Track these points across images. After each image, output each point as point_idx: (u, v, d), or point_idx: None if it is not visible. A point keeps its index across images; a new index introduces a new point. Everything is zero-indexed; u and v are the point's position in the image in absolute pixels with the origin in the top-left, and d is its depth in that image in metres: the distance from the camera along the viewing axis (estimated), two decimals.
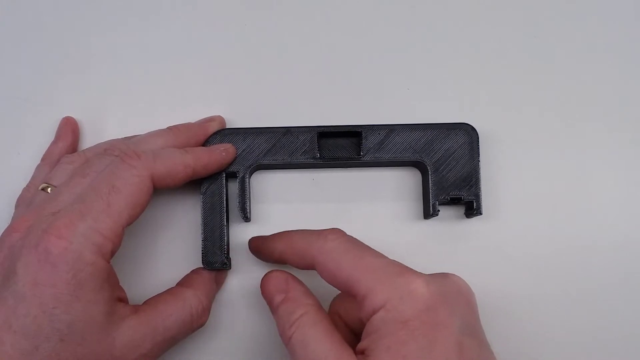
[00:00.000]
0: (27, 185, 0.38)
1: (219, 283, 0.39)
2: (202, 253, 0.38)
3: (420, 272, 0.32)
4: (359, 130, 0.39)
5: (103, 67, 0.41)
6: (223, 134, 0.39)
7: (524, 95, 0.41)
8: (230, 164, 0.39)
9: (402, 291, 0.31)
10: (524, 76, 0.41)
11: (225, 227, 0.38)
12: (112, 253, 0.33)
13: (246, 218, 0.39)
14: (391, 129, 0.39)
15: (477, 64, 0.41)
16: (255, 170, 0.40)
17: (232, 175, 0.39)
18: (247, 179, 0.39)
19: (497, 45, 0.41)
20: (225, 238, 0.38)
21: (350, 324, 0.35)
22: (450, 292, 0.31)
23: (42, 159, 0.39)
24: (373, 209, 0.40)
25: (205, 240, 0.38)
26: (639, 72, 0.41)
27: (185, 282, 0.38)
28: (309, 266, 0.34)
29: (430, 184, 0.38)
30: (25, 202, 0.37)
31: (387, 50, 0.41)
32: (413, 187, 0.40)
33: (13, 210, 0.37)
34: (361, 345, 0.31)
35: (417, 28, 0.42)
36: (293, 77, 0.41)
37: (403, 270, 0.32)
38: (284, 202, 0.41)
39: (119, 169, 0.34)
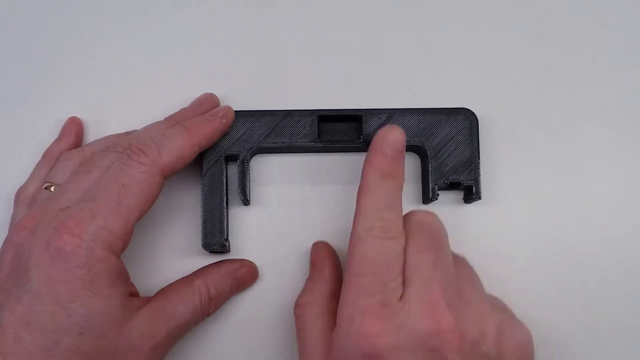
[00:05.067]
0: (24, 183, 0.38)
1: (240, 281, 0.39)
2: (202, 235, 0.38)
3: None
4: (359, 114, 0.39)
5: (103, 66, 0.41)
6: None
7: (523, 80, 0.41)
8: (231, 124, 0.39)
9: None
10: (523, 61, 0.41)
11: (225, 210, 0.38)
12: (123, 249, 0.33)
13: (246, 201, 0.39)
14: (391, 113, 0.39)
15: (477, 48, 0.41)
16: (255, 154, 0.40)
17: (232, 158, 0.39)
18: (247, 162, 0.39)
19: (497, 30, 0.41)
20: (225, 221, 0.38)
21: None
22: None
23: (42, 157, 0.39)
24: None
25: (205, 222, 0.38)
26: None
27: (199, 272, 0.38)
28: None
29: (429, 168, 0.38)
30: (25, 200, 0.37)
31: (387, 37, 0.41)
32: (412, 171, 0.41)
33: (13, 209, 0.37)
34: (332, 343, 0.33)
35: (418, 14, 0.41)
36: (292, 63, 0.41)
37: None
38: (284, 185, 0.41)
39: (128, 166, 0.34)
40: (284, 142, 0.39)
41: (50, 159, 0.39)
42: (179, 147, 0.35)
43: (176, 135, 0.36)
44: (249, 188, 0.39)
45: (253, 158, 0.40)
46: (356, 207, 0.33)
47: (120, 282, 0.33)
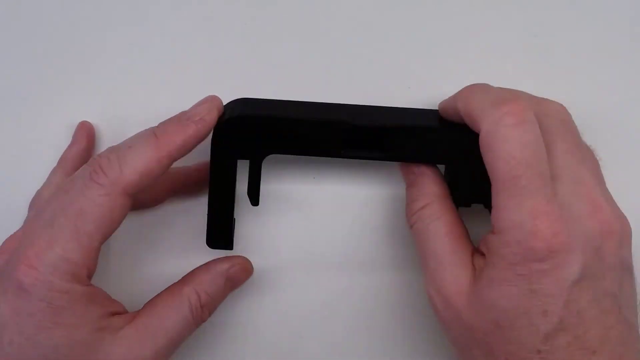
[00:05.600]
0: (40, 189, 0.38)
1: (234, 280, 0.37)
2: (207, 232, 0.37)
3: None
4: (386, 132, 0.35)
5: (104, 67, 0.41)
6: (231, 123, 0.35)
7: (524, 80, 0.40)
8: (218, 121, 0.35)
9: (525, 232, 0.29)
10: (524, 61, 0.41)
11: (231, 209, 0.37)
12: (90, 274, 0.32)
13: (255, 202, 0.37)
14: (419, 130, 0.35)
15: (477, 47, 0.41)
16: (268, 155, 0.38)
17: (243, 156, 0.37)
18: (259, 165, 0.37)
19: (497, 29, 0.41)
20: (231, 220, 0.37)
21: None
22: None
23: (57, 163, 0.39)
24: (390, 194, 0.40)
25: (210, 219, 0.36)
26: None
27: (186, 278, 0.36)
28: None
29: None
30: (34, 207, 0.37)
31: (386, 37, 0.41)
32: None
33: (13, 210, 0.38)
34: (484, 247, 0.31)
35: (418, 14, 0.41)
36: (292, 63, 0.41)
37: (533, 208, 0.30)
38: (292, 185, 0.40)
39: (87, 189, 0.31)
40: (302, 150, 0.36)
41: (65, 165, 0.38)
42: (145, 162, 0.32)
43: (143, 146, 0.32)
44: (257, 197, 0.37)
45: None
46: (467, 112, 0.32)
47: (93, 308, 0.32)
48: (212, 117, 0.34)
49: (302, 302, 0.40)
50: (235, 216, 0.39)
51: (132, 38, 0.41)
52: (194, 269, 0.36)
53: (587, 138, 0.40)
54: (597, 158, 0.34)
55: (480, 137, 0.31)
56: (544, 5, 0.41)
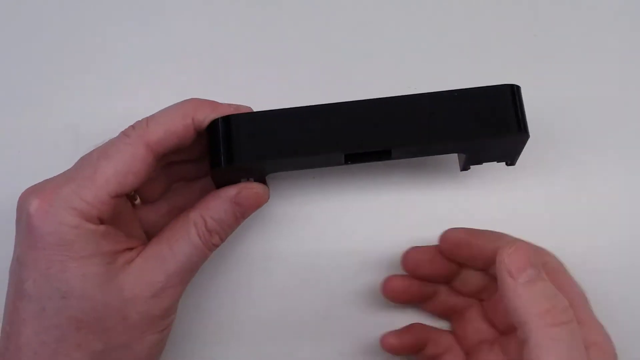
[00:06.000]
0: None
1: (242, 206, 0.35)
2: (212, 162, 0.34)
3: None
4: (389, 150, 0.33)
5: (104, 68, 0.41)
6: (234, 134, 0.33)
7: (524, 80, 0.40)
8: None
9: None
10: (524, 61, 0.41)
11: None
12: (101, 218, 0.32)
13: None
14: (423, 140, 0.33)
15: (477, 47, 0.41)
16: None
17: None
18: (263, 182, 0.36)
19: (497, 29, 0.41)
20: None
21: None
22: None
23: None
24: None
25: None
26: None
27: (197, 203, 0.35)
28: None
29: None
30: None
31: (386, 36, 0.41)
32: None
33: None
34: None
35: (418, 13, 0.41)
36: (292, 63, 0.41)
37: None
38: (291, 204, 0.40)
39: (117, 139, 0.33)
40: (305, 166, 0.35)
41: None
42: (170, 118, 0.33)
43: (174, 109, 0.34)
44: None
45: None
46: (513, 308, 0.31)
47: (105, 243, 0.32)
48: (246, 110, 0.35)
49: (302, 302, 0.40)
50: None
51: (133, 38, 0.41)
52: (205, 195, 0.36)
53: (587, 137, 0.41)
54: None
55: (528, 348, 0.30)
56: (544, 5, 0.41)
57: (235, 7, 0.42)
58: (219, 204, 0.35)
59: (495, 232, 0.36)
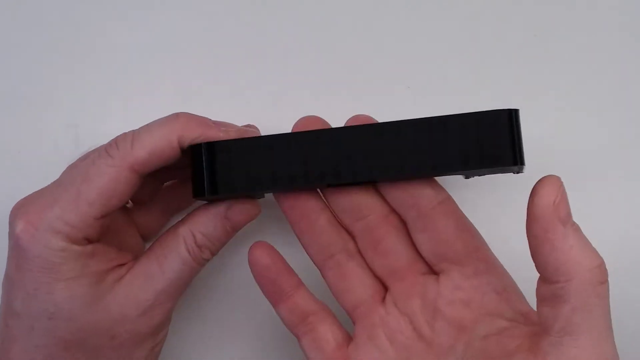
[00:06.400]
0: None
1: (232, 221, 0.34)
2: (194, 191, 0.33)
3: None
4: (375, 180, 0.32)
5: (103, 67, 0.41)
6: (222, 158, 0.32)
7: (524, 80, 0.41)
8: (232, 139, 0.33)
9: None
10: (524, 61, 0.41)
11: None
12: (88, 239, 0.32)
13: None
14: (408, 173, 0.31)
15: (477, 47, 0.41)
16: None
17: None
18: None
19: (497, 29, 0.41)
20: None
21: None
22: None
23: None
24: None
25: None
26: None
27: (185, 218, 0.35)
28: None
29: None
30: None
31: (386, 37, 0.41)
32: None
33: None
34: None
35: (418, 14, 0.41)
36: (291, 63, 0.41)
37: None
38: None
39: (99, 159, 0.32)
40: (291, 189, 0.33)
41: None
42: (155, 139, 0.32)
43: (159, 127, 0.32)
44: None
45: None
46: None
47: (93, 263, 0.32)
48: (235, 131, 0.33)
49: None
50: None
51: (133, 38, 0.41)
52: (193, 210, 0.35)
53: (587, 136, 0.40)
54: None
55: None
56: (544, 5, 0.41)
57: (236, 7, 0.42)
58: (208, 219, 0.34)
59: None
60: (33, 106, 0.41)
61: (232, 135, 0.33)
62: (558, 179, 0.28)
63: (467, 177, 0.36)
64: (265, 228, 0.40)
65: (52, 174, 0.34)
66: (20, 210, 0.32)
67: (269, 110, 0.41)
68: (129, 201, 0.38)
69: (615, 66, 0.41)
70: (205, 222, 0.34)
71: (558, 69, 0.41)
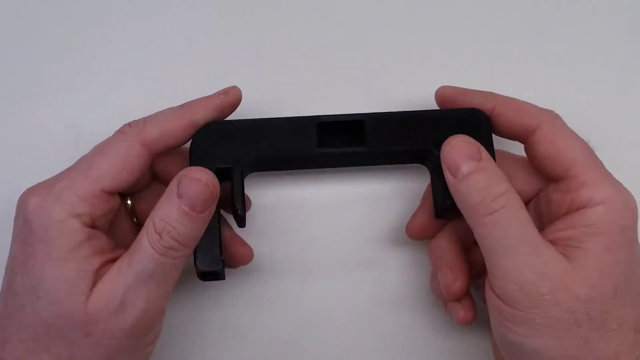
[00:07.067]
0: None
1: (185, 197, 0.31)
2: (195, 263, 0.33)
3: None
4: (361, 119, 0.35)
5: (103, 68, 0.41)
6: (209, 128, 0.35)
7: (524, 80, 0.41)
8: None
9: (624, 197, 0.31)
10: (524, 60, 0.41)
11: (218, 233, 0.34)
12: (93, 215, 0.32)
13: (241, 222, 0.35)
14: (396, 117, 0.35)
15: (476, 47, 0.41)
16: (250, 170, 0.36)
17: (224, 175, 0.34)
18: (241, 177, 0.34)
19: (497, 29, 0.41)
20: (219, 245, 0.34)
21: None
22: None
23: None
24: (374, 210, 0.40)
25: (197, 248, 0.33)
26: None
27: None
28: (523, 133, 0.34)
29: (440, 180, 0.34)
30: None
31: (386, 37, 0.41)
32: (418, 188, 0.40)
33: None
34: (563, 233, 0.32)
35: (417, 14, 0.41)
36: (291, 63, 0.41)
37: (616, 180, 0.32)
38: (280, 208, 0.40)
39: (113, 137, 0.34)
40: (280, 153, 0.35)
41: None
42: (166, 118, 0.34)
43: (169, 111, 0.35)
44: (243, 207, 0.34)
45: (247, 180, 0.36)
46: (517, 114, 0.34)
47: (86, 247, 0.31)
48: (235, 92, 0.36)
49: (301, 302, 0.40)
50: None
51: (133, 38, 0.41)
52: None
53: (587, 136, 0.41)
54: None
55: (538, 133, 0.33)
56: (544, 5, 0.41)
57: (236, 7, 0.42)
58: (164, 199, 0.31)
59: (486, 92, 0.36)
60: (33, 106, 0.41)
61: (232, 93, 0.36)
62: (454, 138, 0.33)
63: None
64: (268, 231, 0.40)
65: (52, 174, 0.34)
66: (32, 190, 0.33)
67: (270, 112, 0.40)
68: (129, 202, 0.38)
69: (615, 65, 0.41)
70: (160, 204, 0.31)
71: (558, 68, 0.41)
